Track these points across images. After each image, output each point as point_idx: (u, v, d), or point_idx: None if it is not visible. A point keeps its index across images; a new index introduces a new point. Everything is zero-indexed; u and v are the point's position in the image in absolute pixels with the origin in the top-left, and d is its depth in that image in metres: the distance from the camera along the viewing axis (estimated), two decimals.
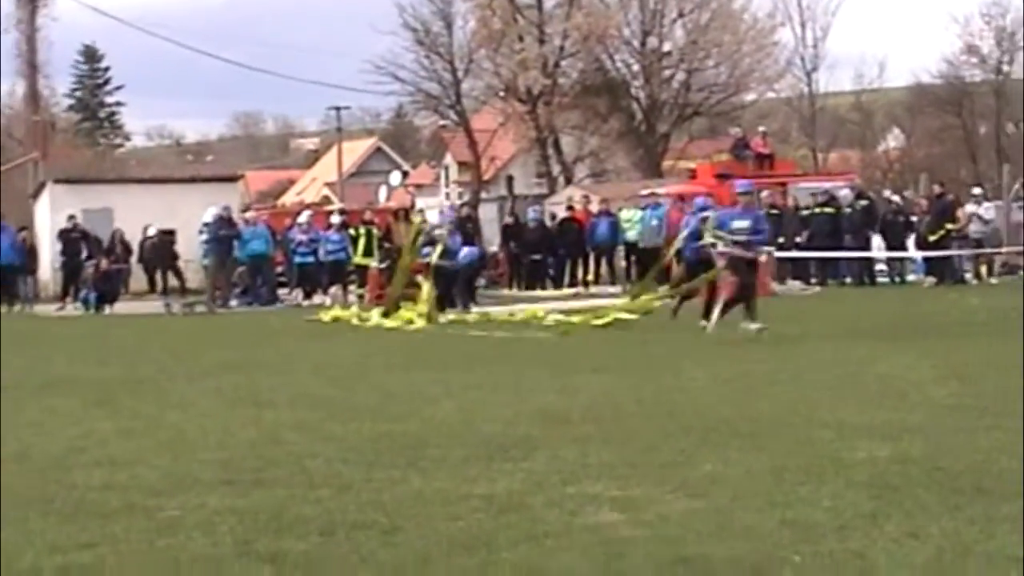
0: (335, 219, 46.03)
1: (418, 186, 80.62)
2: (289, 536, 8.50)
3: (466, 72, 75.38)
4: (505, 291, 41.71)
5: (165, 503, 9.71)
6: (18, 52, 58.64)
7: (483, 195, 68.53)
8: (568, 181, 70.58)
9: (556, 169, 74.50)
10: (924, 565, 7.36)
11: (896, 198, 44.60)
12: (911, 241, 41.41)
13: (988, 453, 10.71)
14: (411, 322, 29.49)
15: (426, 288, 31.25)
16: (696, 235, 26.93)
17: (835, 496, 9.21)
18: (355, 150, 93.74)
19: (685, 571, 7.38)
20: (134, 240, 44.81)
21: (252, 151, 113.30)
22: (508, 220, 47.92)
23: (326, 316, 32.88)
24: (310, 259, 43.03)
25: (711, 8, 72.65)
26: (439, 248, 31.12)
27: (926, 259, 40.66)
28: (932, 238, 40.50)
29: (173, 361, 23.25)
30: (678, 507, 9.06)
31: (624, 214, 45.97)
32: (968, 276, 40.16)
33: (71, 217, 44.89)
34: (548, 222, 47.78)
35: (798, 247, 39.74)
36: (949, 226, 40.60)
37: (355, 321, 31.11)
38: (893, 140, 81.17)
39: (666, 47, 74.16)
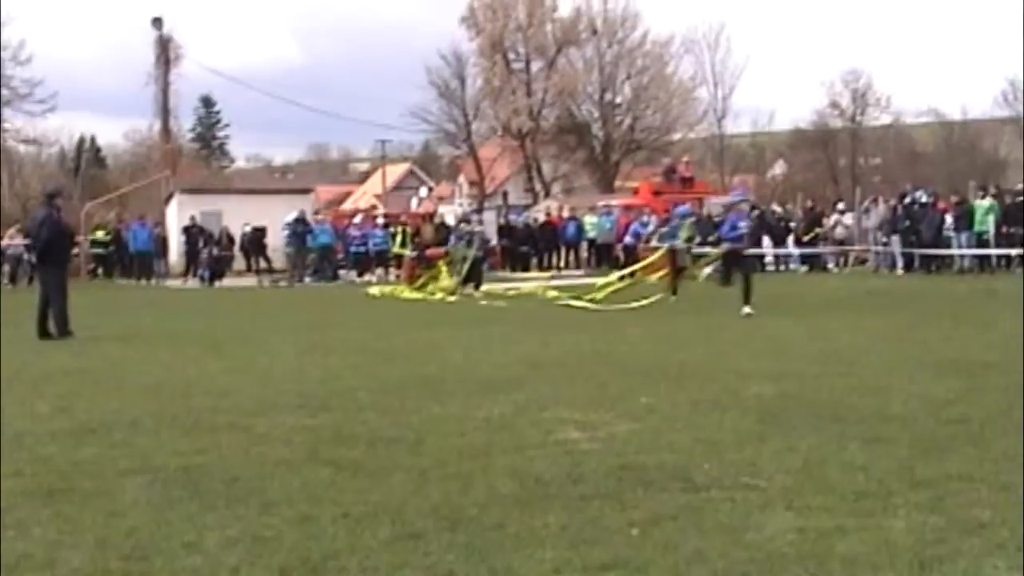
0: (380, 220, 46.13)
1: (440, 198, 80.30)
2: (344, 447, 8.49)
3: (474, 117, 75.90)
4: (500, 273, 41.48)
5: (256, 422, 9.70)
6: (155, 100, 58.67)
7: (486, 204, 68.35)
8: (547, 195, 70.71)
9: (538, 186, 74.64)
10: (796, 470, 7.36)
11: (780, 210, 44.52)
12: (791, 240, 41.34)
13: (843, 392, 10.70)
14: (433, 294, 29.42)
15: (445, 270, 31.16)
16: (673, 235, 26.16)
17: (734, 421, 9.21)
18: (395, 172, 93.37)
19: (628, 474, 7.36)
20: (236, 234, 44.81)
21: (321, 171, 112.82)
22: (503, 222, 47.69)
23: (373, 290, 32.83)
24: (362, 249, 42.92)
25: (650, 73, 72.89)
26: (476, 242, 30.73)
27: (801, 253, 40.61)
28: (805, 238, 40.55)
29: (263, 321, 23.20)
30: (622, 428, 9.03)
31: (586, 219, 46.00)
32: (831, 266, 40.10)
33: (192, 217, 44.84)
34: (532, 224, 47.67)
35: (709, 244, 39.59)
36: (818, 230, 40.61)
37: (394, 293, 31.06)
38: (779, 168, 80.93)
39: (618, 100, 74.24)
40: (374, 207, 61.30)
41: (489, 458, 7.96)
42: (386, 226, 43.62)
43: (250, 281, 41.98)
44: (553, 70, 73.35)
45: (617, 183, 70.63)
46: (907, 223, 34.87)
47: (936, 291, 26.05)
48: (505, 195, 76.81)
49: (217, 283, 41.08)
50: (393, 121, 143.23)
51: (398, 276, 36.87)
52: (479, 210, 55.49)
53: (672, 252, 23.67)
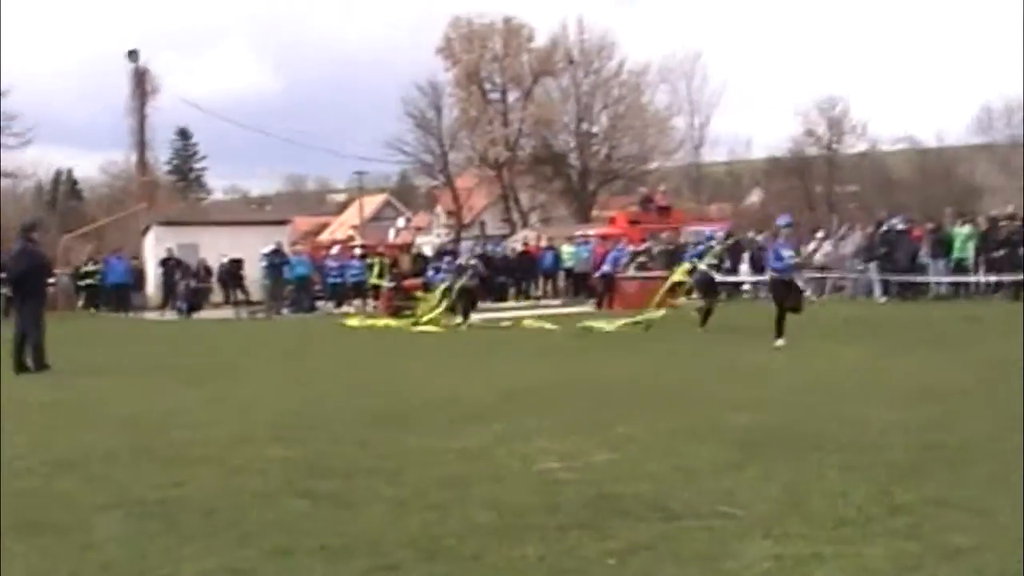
0: (357, 251, 46.12)
1: (418, 228, 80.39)
2: (321, 478, 8.48)
3: (451, 147, 75.92)
4: (479, 304, 41.49)
5: (233, 454, 9.69)
6: (132, 132, 58.70)
7: (463, 235, 68.42)
8: (524, 225, 70.74)
9: (516, 216, 74.73)
10: (774, 498, 7.38)
11: (759, 237, 44.57)
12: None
13: (821, 420, 10.73)
14: (417, 324, 29.41)
15: (433, 299, 31.12)
16: (700, 255, 25.46)
17: (712, 450, 9.21)
18: (372, 202, 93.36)
19: (605, 504, 7.37)
20: (214, 266, 44.77)
21: (298, 202, 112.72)
22: (479, 252, 47.75)
23: (351, 321, 32.80)
24: (339, 280, 42.92)
25: (626, 103, 73.08)
26: (469, 272, 30.61)
27: None
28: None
29: (240, 352, 23.20)
30: (600, 458, 9.04)
31: (564, 249, 46.00)
32: (807, 293, 40.09)
33: (168, 249, 44.82)
34: (510, 254, 47.70)
35: (688, 273, 39.53)
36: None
37: (371, 324, 31.04)
38: (755, 196, 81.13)
39: (594, 129, 74.43)
40: (351, 238, 61.20)
41: (466, 488, 7.95)
42: (363, 257, 43.61)
43: (227, 313, 41.91)
44: (529, 100, 73.60)
45: (594, 212, 70.69)
46: (883, 250, 34.95)
47: (913, 318, 26.13)
48: (483, 225, 76.93)
49: (195, 315, 41.00)
50: (370, 152, 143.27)
51: (376, 307, 36.86)
52: (456, 240, 55.60)
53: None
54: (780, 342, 19.61)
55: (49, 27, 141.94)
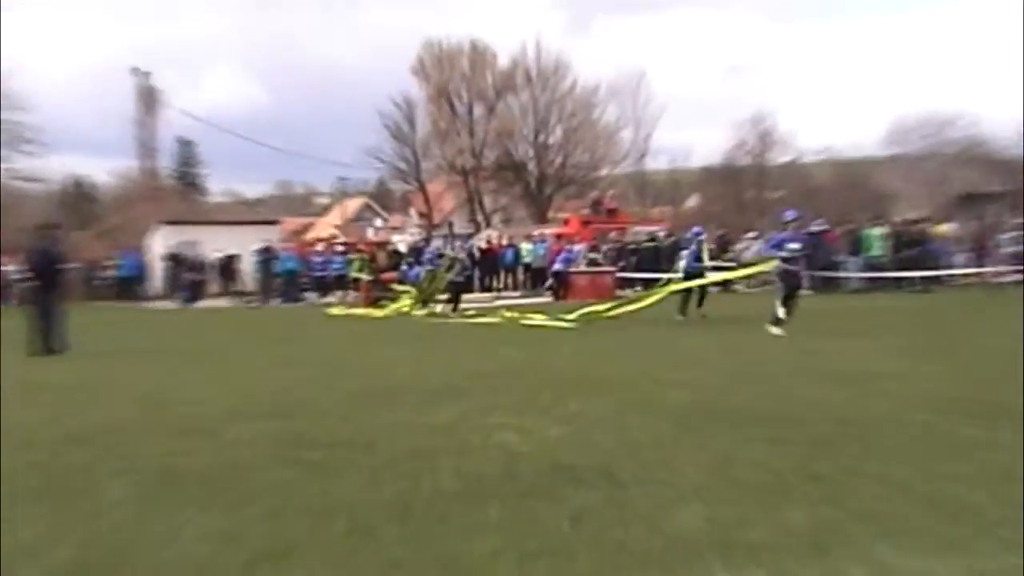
0: (339, 248, 46.15)
1: (393, 228, 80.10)
2: (306, 449, 8.44)
3: (423, 156, 75.73)
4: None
5: (227, 428, 9.64)
6: (140, 142, 58.69)
7: (434, 233, 68.25)
8: (488, 225, 70.76)
9: (480, 217, 74.75)
10: (707, 467, 7.38)
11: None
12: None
13: (750, 398, 10.76)
14: (397, 312, 29.42)
15: (408, 292, 31.19)
16: (696, 256, 25.09)
17: (653, 425, 9.22)
18: (353, 205, 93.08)
19: (558, 473, 7.36)
20: (212, 260, 44.68)
21: (287, 205, 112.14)
22: (467, 249, 47.72)
23: (333, 310, 32.74)
24: (323, 273, 42.96)
25: (578, 117, 73.24)
26: (457, 267, 30.54)
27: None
28: (716, 262, 40.55)
29: (235, 338, 23.14)
30: (554, 432, 9.03)
31: (523, 246, 46.00)
32: (738, 286, 40.17)
33: (172, 246, 44.78)
34: (475, 251, 47.72)
35: (633, 268, 39.61)
36: (728, 254, 40.75)
37: (351, 313, 30.98)
38: (693, 201, 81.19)
39: (550, 141, 74.45)
40: (334, 236, 61.09)
41: (435, 459, 7.92)
42: (344, 253, 43.63)
43: (224, 302, 41.81)
44: (493, 114, 73.68)
45: (550, 214, 70.87)
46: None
47: (833, 309, 26.27)
48: (451, 225, 76.78)
49: (195, 304, 40.86)
50: (352, 160, 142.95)
51: (356, 298, 36.83)
52: (428, 239, 55.55)
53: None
54: (777, 331, 19.16)
55: (64, 47, 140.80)
